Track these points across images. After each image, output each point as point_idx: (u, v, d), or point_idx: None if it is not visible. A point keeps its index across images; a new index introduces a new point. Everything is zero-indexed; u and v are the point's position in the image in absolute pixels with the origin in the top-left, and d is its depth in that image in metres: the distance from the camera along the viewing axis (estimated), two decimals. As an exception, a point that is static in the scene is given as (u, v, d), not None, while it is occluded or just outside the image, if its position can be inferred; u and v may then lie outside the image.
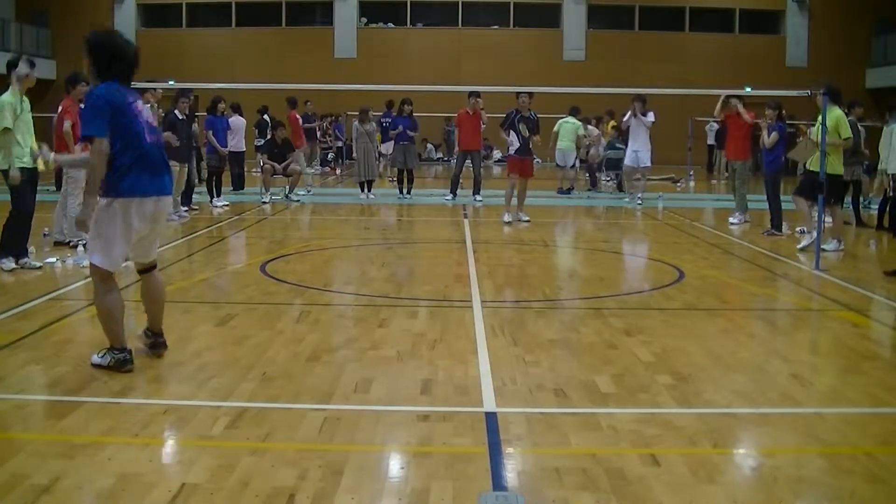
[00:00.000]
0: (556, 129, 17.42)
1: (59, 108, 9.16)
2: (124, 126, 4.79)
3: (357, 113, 16.97)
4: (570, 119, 17.47)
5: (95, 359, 4.92)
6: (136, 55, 5.02)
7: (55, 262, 8.42)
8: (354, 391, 4.63)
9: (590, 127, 18.94)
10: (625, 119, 15.63)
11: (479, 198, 15.42)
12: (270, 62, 29.19)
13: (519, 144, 12.40)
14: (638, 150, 15.30)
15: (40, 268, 8.07)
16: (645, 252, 10.54)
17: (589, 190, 18.28)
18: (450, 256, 9.85)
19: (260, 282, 7.90)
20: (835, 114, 9.60)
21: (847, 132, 9.70)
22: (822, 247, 9.18)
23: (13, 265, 7.93)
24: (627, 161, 15.73)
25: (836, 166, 9.58)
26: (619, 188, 17.81)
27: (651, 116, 15.14)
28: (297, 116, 18.67)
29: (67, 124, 8.94)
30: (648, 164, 15.61)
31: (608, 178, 18.94)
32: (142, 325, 5.33)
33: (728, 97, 12.88)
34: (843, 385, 4.89)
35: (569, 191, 17.67)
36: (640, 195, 15.69)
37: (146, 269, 5.22)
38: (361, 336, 5.87)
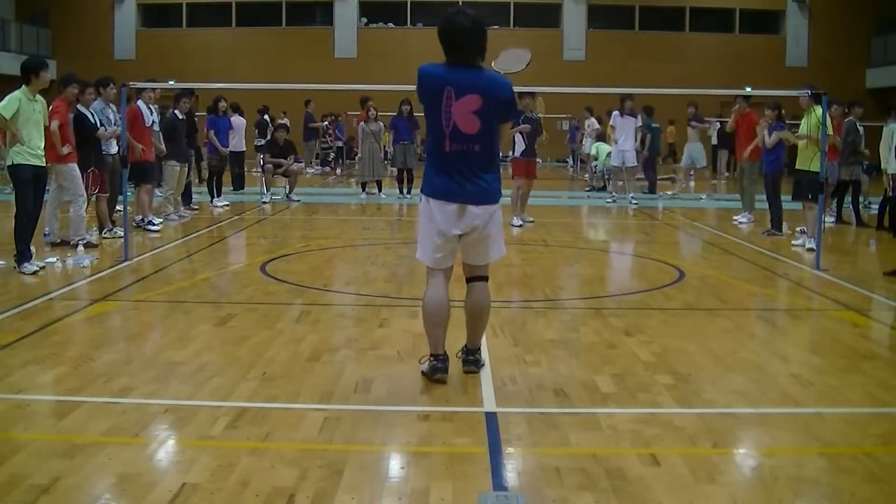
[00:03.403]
0: (595, 152, 18.64)
1: (49, 108, 9.14)
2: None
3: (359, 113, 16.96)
4: (602, 144, 18.41)
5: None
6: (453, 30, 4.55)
7: (55, 262, 8.42)
8: (354, 391, 4.64)
9: (592, 119, 19.50)
10: (612, 122, 15.90)
11: None
12: (270, 62, 29.19)
13: (525, 146, 12.34)
14: (626, 150, 15.43)
15: (39, 270, 8.05)
16: (645, 252, 10.54)
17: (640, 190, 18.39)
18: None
19: (260, 282, 7.90)
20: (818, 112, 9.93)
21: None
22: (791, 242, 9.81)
23: (35, 267, 7.95)
24: (614, 161, 15.90)
25: (815, 163, 9.64)
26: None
27: (639, 118, 15.51)
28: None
29: (55, 124, 8.87)
30: (635, 163, 15.99)
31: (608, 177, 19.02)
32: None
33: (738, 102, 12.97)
34: (843, 385, 4.88)
35: (602, 188, 18.27)
36: (632, 195, 15.69)
37: (472, 279, 4.83)
38: (361, 336, 5.87)
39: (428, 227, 4.66)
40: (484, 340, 5.62)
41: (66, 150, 9.02)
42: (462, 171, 4.55)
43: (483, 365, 4.95)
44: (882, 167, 12.22)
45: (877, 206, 12.59)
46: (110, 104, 10.27)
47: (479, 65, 4.61)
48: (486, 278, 4.86)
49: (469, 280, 4.86)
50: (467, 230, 4.62)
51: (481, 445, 3.86)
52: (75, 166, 9.25)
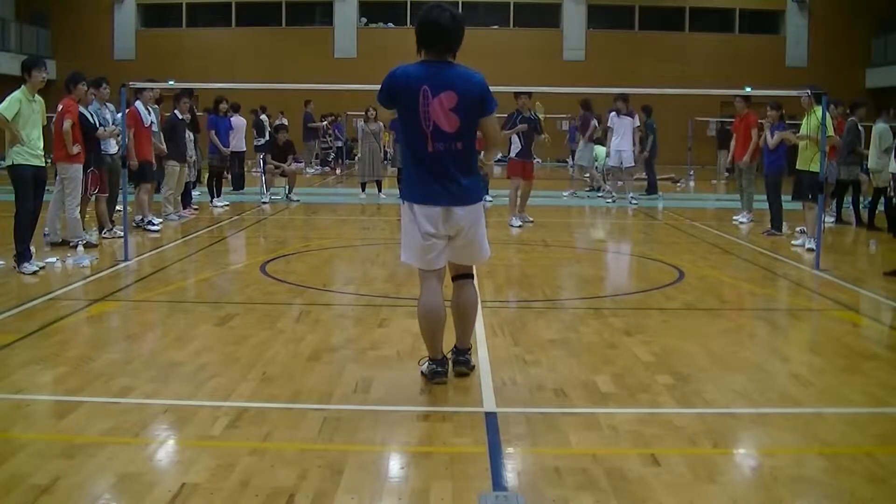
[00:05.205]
0: (595, 154, 18.13)
1: (60, 107, 9.17)
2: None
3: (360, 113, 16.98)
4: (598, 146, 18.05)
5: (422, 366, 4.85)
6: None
7: (55, 262, 8.42)
8: (354, 391, 4.63)
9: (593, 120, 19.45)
10: (609, 122, 15.85)
11: (489, 197, 15.29)
12: (270, 62, 29.16)
13: (521, 146, 12.32)
14: (623, 150, 15.40)
15: (39, 270, 8.04)
16: (645, 252, 10.53)
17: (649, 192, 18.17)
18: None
19: (260, 282, 7.90)
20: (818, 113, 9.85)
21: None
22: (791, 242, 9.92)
23: (35, 267, 7.95)
24: (611, 162, 15.87)
25: (816, 163, 9.61)
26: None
27: (636, 118, 15.47)
28: None
29: (67, 123, 8.95)
30: (633, 164, 15.91)
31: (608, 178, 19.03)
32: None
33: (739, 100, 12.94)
34: (843, 385, 4.88)
35: (599, 189, 18.11)
36: (632, 195, 15.69)
37: (458, 276, 4.82)
38: (361, 336, 5.87)
39: (412, 229, 4.58)
40: (483, 340, 5.65)
41: (76, 149, 9.06)
42: (444, 172, 4.49)
43: (473, 367, 4.90)
44: (869, 166, 12.28)
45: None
46: (106, 104, 10.29)
47: (450, 61, 4.57)
48: (472, 275, 4.86)
49: (455, 278, 4.83)
50: (453, 232, 4.58)
51: (481, 445, 3.86)
52: (80, 167, 9.27)
